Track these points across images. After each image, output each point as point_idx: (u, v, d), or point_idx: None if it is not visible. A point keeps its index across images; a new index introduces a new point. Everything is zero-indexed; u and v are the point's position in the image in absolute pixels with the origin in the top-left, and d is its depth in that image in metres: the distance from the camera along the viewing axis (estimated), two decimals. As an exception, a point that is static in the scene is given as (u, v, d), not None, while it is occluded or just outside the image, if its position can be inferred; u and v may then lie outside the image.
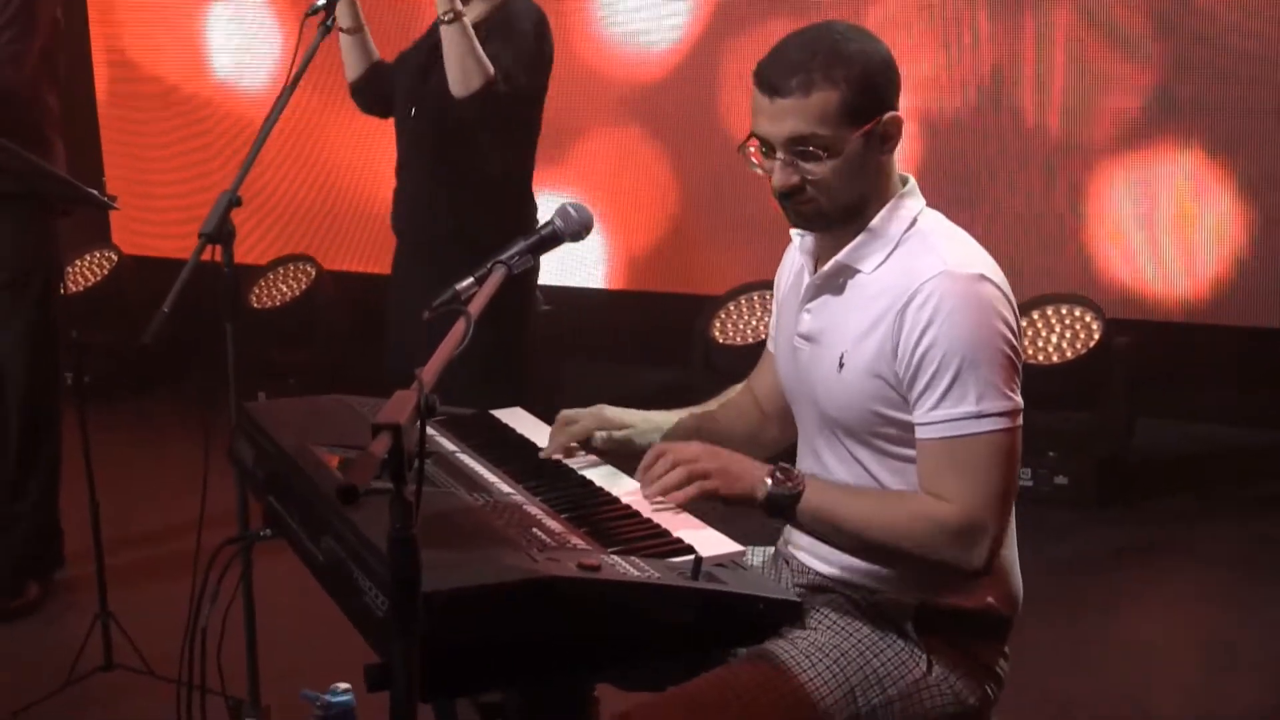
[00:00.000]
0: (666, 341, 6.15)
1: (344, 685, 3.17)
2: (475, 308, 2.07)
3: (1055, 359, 5.22)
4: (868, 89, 2.23)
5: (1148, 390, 5.40)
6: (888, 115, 2.26)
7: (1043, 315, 5.33)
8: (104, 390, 6.52)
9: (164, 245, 7.31)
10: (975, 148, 5.53)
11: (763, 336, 5.63)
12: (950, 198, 5.44)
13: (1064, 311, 5.31)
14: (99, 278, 7.05)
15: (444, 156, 3.80)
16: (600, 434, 2.54)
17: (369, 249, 6.74)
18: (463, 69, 3.65)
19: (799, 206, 2.31)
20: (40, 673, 3.92)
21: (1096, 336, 5.22)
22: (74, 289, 6.94)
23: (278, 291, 6.66)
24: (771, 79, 2.25)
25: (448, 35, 3.64)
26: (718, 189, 5.94)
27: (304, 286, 6.63)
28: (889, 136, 2.28)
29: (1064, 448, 5.17)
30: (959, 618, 2.36)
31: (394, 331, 4.03)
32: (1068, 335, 5.25)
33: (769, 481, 2.23)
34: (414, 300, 3.73)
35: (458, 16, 3.63)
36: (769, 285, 5.71)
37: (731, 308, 5.86)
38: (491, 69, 3.68)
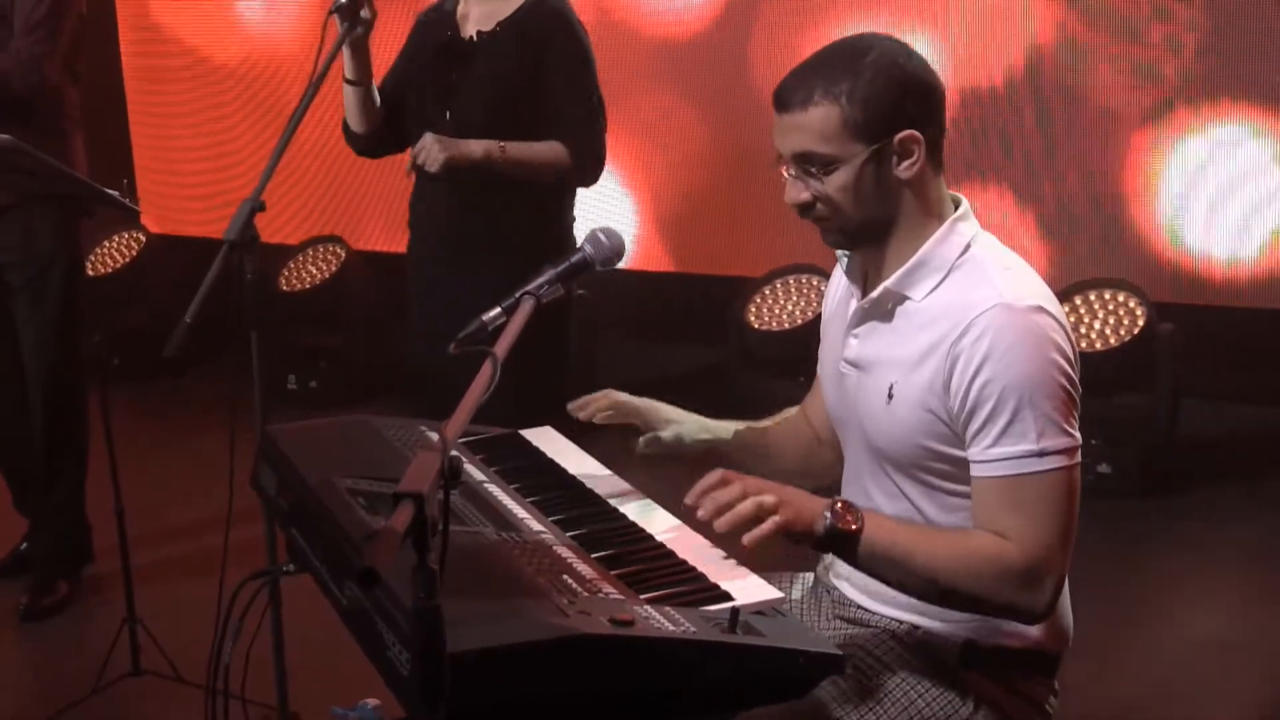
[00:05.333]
0: (701, 324, 6.05)
1: (373, 701, 3.13)
2: (502, 348, 1.98)
3: (1099, 345, 5.10)
4: (874, 106, 2.14)
5: (1193, 375, 5.28)
6: (903, 134, 2.16)
7: (1085, 301, 5.20)
8: (133, 373, 6.48)
9: (191, 223, 7.25)
10: (1016, 128, 5.41)
11: (800, 322, 5.55)
12: (990, 181, 5.34)
13: (1107, 297, 5.18)
14: (128, 259, 6.99)
15: None
16: (644, 437, 2.45)
17: (399, 229, 6.64)
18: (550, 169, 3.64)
19: (817, 222, 2.26)
20: (69, 677, 3.88)
21: (1141, 322, 5.10)
22: (103, 270, 6.88)
23: (307, 274, 6.59)
24: (779, 93, 2.22)
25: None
26: (755, 166, 5.81)
27: (333, 269, 6.55)
28: (906, 155, 2.18)
29: (1108, 435, 5.05)
30: (1007, 655, 2.29)
31: (422, 350, 3.77)
32: (1111, 321, 5.13)
33: (829, 516, 2.11)
34: (452, 309, 3.62)
35: (503, 156, 3.55)
36: (808, 269, 5.70)
37: (768, 291, 5.75)
38: (564, 160, 3.62)
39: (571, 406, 2.49)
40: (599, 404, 2.50)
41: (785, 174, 2.24)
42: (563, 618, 1.81)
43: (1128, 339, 5.10)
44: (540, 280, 2.24)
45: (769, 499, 2.09)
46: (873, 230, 2.24)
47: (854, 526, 2.11)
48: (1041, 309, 2.14)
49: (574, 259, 2.30)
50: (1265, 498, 5.05)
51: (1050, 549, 2.11)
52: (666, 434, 2.50)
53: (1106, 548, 4.62)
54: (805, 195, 2.21)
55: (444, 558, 1.58)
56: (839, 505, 2.13)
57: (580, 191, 3.82)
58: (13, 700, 3.96)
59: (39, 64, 4.04)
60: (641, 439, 2.47)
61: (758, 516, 2.07)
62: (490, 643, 1.72)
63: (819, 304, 5.49)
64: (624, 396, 2.53)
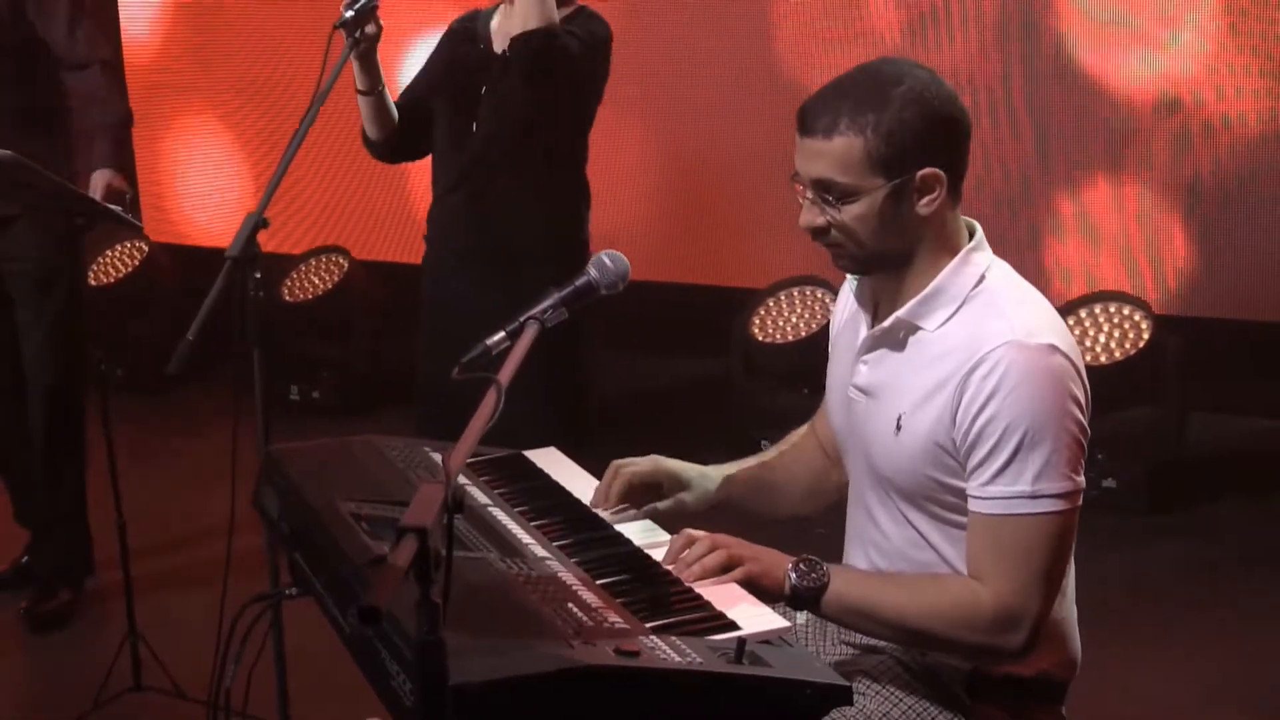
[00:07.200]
0: (705, 336, 6.01)
1: (375, 721, 3.11)
2: (506, 375, 1.96)
3: (1104, 359, 5.08)
4: (899, 141, 2.10)
5: (1200, 389, 5.25)
6: (925, 171, 2.13)
7: (1090, 314, 5.17)
8: (135, 383, 6.48)
9: (195, 233, 7.25)
10: (1017, 144, 5.38)
11: (805, 334, 5.52)
12: (995, 195, 5.31)
13: (1112, 310, 5.16)
14: (130, 269, 6.96)
15: (513, 168, 3.58)
16: (647, 508, 2.43)
17: (402, 239, 6.65)
18: (530, 6, 3.42)
19: (829, 248, 2.23)
20: (70, 691, 3.87)
21: (1146, 335, 5.08)
22: (105, 281, 6.87)
23: (310, 284, 6.57)
24: (804, 116, 2.17)
25: None
26: (760, 177, 5.79)
27: (336, 279, 6.53)
28: (927, 191, 2.15)
29: (1113, 450, 5.02)
30: (1015, 683, 2.27)
31: (436, 363, 3.65)
32: (1116, 335, 5.11)
33: (793, 575, 2.13)
34: (464, 323, 3.57)
35: None
36: (813, 281, 5.67)
37: (772, 303, 5.72)
38: (555, 17, 3.44)
39: (592, 504, 2.45)
40: (616, 488, 2.45)
41: (801, 195, 2.21)
42: (567, 648, 1.80)
43: (1133, 352, 5.07)
44: (545, 304, 2.23)
45: (738, 551, 2.14)
46: (886, 261, 2.22)
47: (819, 583, 2.13)
48: (1054, 348, 2.11)
49: (578, 283, 2.29)
50: (1274, 512, 5.00)
51: (1026, 593, 2.10)
52: (664, 505, 2.47)
53: (1112, 564, 4.60)
54: (820, 220, 2.18)
55: (447, 591, 1.57)
56: (802, 563, 2.14)
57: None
58: (14, 715, 3.95)
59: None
60: (645, 509, 2.45)
61: (726, 566, 2.12)
62: (495, 675, 1.71)
63: (824, 316, 5.47)
64: (632, 462, 2.47)
